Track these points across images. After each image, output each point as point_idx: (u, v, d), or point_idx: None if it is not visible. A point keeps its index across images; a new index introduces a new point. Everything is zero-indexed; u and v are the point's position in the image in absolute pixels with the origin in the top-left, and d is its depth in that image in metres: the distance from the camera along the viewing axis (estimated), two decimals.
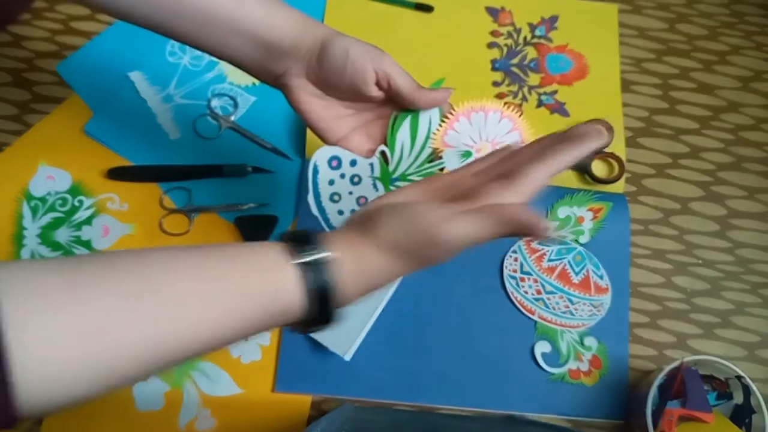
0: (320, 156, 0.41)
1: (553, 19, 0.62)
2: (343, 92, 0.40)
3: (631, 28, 0.63)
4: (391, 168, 0.41)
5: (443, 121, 0.41)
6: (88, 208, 0.56)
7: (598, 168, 0.57)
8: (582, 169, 0.56)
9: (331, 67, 0.38)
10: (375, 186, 0.42)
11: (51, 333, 0.24)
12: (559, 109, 0.58)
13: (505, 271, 0.53)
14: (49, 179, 0.57)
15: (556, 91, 0.59)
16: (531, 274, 0.53)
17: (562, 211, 0.55)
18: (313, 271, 0.29)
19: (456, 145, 0.41)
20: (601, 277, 0.53)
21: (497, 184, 0.31)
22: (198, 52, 0.61)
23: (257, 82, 0.60)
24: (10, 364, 0.23)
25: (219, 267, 0.28)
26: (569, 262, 0.54)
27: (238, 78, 0.60)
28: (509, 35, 0.61)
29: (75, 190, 0.56)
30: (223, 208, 0.56)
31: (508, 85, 0.59)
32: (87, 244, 0.55)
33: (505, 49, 0.61)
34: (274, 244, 0.30)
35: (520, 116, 0.44)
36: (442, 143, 0.41)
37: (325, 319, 0.30)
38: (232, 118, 0.58)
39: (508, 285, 0.53)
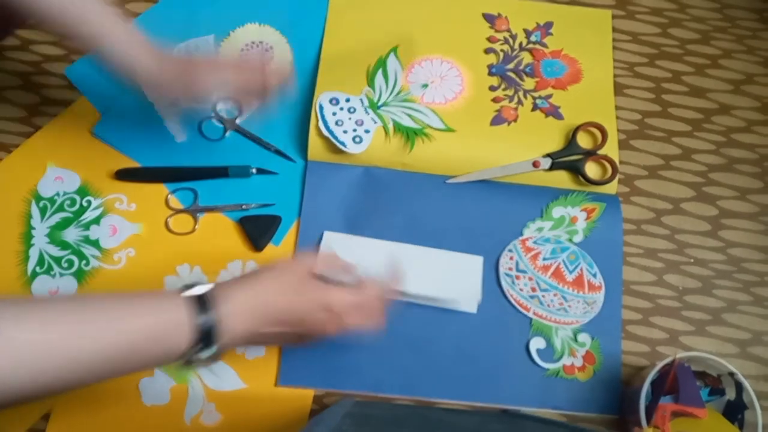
0: (323, 98, 0.59)
1: (548, 25, 0.63)
2: None
3: (625, 33, 0.64)
4: (375, 100, 0.59)
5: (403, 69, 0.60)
6: (96, 208, 0.57)
7: (592, 170, 0.58)
8: (576, 170, 0.57)
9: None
10: (366, 111, 0.59)
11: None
12: (554, 112, 0.60)
13: (501, 270, 0.55)
14: (58, 180, 0.58)
15: (551, 95, 0.61)
16: (526, 272, 0.55)
17: (557, 211, 0.56)
18: (201, 307, 0.39)
19: (416, 81, 0.60)
20: (594, 276, 0.55)
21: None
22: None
23: None
24: None
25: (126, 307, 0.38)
26: (563, 260, 0.55)
27: None
28: (505, 41, 0.63)
29: (83, 191, 0.58)
30: (228, 208, 0.57)
31: (504, 89, 0.61)
32: (95, 244, 0.56)
33: (501, 55, 0.62)
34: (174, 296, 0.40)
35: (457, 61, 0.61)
36: (406, 81, 0.60)
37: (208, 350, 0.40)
38: (237, 120, 0.60)
39: (503, 283, 0.54)
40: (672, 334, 0.54)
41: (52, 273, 0.55)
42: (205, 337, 0.39)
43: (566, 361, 0.52)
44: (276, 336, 0.44)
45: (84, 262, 0.55)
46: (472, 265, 0.54)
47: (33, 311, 0.35)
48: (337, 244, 0.54)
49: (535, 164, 0.57)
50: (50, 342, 0.34)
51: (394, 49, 0.61)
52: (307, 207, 0.57)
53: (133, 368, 0.39)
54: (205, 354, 0.40)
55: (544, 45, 0.63)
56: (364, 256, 0.49)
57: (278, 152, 0.59)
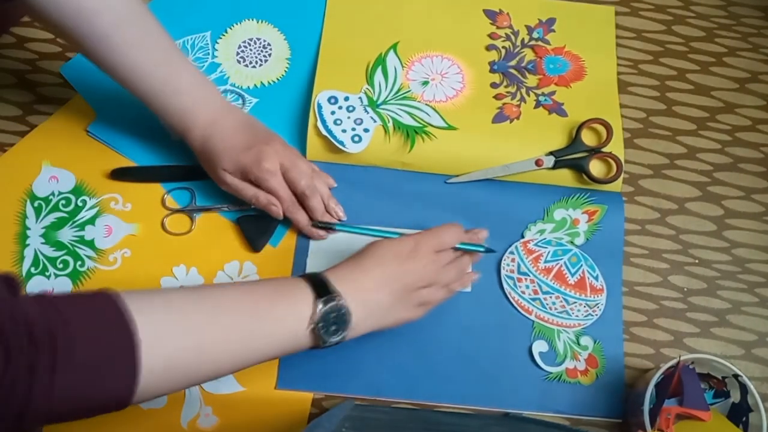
0: (321, 97, 0.58)
1: (551, 21, 0.63)
2: None
3: (628, 30, 0.63)
4: (375, 98, 0.58)
5: (404, 67, 0.60)
6: (91, 208, 0.56)
7: (596, 168, 0.57)
8: (580, 168, 0.57)
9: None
10: (366, 110, 0.57)
11: (165, 346, 0.35)
12: (557, 109, 0.59)
13: (503, 272, 0.54)
14: (53, 179, 0.57)
15: (554, 92, 0.60)
16: (528, 275, 0.54)
17: (558, 213, 0.56)
18: (322, 291, 0.41)
19: (416, 79, 0.59)
20: (596, 278, 0.54)
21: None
22: (200, 54, 0.62)
23: (259, 84, 0.61)
24: (141, 362, 0.33)
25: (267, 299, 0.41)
26: (565, 263, 0.54)
27: (241, 80, 0.61)
28: (507, 37, 0.62)
29: (78, 191, 0.57)
30: (225, 208, 0.56)
31: (506, 86, 0.60)
32: (90, 244, 0.55)
33: (503, 51, 0.61)
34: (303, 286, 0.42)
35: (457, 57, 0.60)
36: (406, 79, 0.59)
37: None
38: None
39: (505, 285, 0.54)
40: (676, 336, 0.54)
41: (47, 274, 0.54)
42: (334, 320, 0.41)
43: (569, 364, 0.52)
44: (394, 303, 0.44)
45: (79, 262, 0.55)
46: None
47: (173, 303, 0.38)
48: (328, 239, 0.55)
49: (538, 162, 0.56)
50: (188, 336, 0.37)
51: (394, 46, 0.61)
52: None
53: (267, 357, 0.41)
54: (336, 338, 0.41)
55: (547, 41, 0.62)
56: (353, 243, 0.50)
57: None
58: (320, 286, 0.42)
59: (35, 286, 0.54)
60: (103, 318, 0.34)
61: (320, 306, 0.40)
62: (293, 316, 0.40)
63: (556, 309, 0.53)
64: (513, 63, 0.61)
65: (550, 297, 0.53)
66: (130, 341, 0.33)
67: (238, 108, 0.54)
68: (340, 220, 0.54)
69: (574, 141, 0.57)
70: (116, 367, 0.33)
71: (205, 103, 0.51)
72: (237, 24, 0.63)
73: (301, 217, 0.53)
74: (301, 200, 0.53)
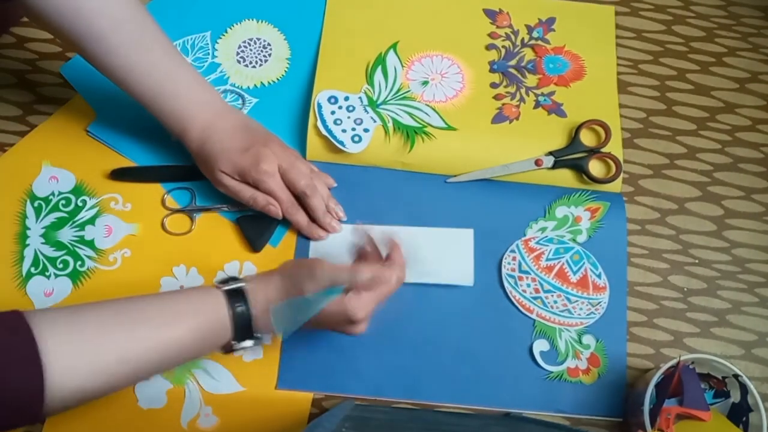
0: (321, 96, 0.58)
1: (551, 20, 0.63)
2: None
3: (628, 30, 0.63)
4: (374, 98, 0.58)
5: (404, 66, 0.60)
6: (91, 208, 0.56)
7: (596, 168, 0.57)
8: (579, 168, 0.56)
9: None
10: (366, 110, 0.58)
11: (72, 354, 0.36)
12: (557, 109, 0.59)
13: (504, 270, 0.54)
14: (53, 180, 0.57)
15: (553, 92, 0.60)
16: (529, 273, 0.54)
17: (560, 211, 0.56)
18: (234, 297, 0.43)
19: (416, 79, 0.59)
20: (598, 276, 0.54)
21: None
22: (200, 54, 0.62)
23: (258, 84, 0.61)
24: (44, 373, 0.34)
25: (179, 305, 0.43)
26: (567, 261, 0.54)
27: (241, 80, 0.61)
28: (507, 37, 0.62)
29: (78, 191, 0.57)
30: (225, 208, 0.56)
31: (506, 86, 0.60)
32: (90, 244, 0.55)
33: (503, 51, 0.61)
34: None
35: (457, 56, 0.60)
36: (406, 79, 0.59)
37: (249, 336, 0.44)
38: None
39: (506, 284, 0.54)
40: (676, 336, 0.54)
41: (47, 274, 0.54)
42: (243, 329, 0.43)
43: (570, 363, 0.52)
44: (315, 323, 0.45)
45: (79, 262, 0.55)
46: (463, 238, 0.54)
47: (85, 320, 0.38)
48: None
49: (538, 162, 0.56)
50: (103, 348, 0.38)
51: (394, 46, 0.61)
52: None
53: (181, 363, 0.43)
54: (247, 344, 0.44)
55: (547, 41, 0.62)
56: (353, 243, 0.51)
57: None
58: (234, 293, 0.43)
59: (35, 286, 0.54)
60: (8, 346, 0.34)
61: (231, 311, 0.42)
62: (207, 326, 0.42)
63: (557, 307, 0.53)
64: (513, 62, 0.61)
65: (552, 295, 0.53)
66: (36, 371, 0.34)
67: (236, 110, 0.54)
68: (340, 219, 0.54)
69: (574, 141, 0.57)
70: (21, 396, 0.34)
71: (203, 105, 0.51)
72: (237, 24, 0.63)
73: (300, 218, 0.53)
74: (300, 201, 0.53)
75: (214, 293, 0.43)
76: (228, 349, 0.44)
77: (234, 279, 0.45)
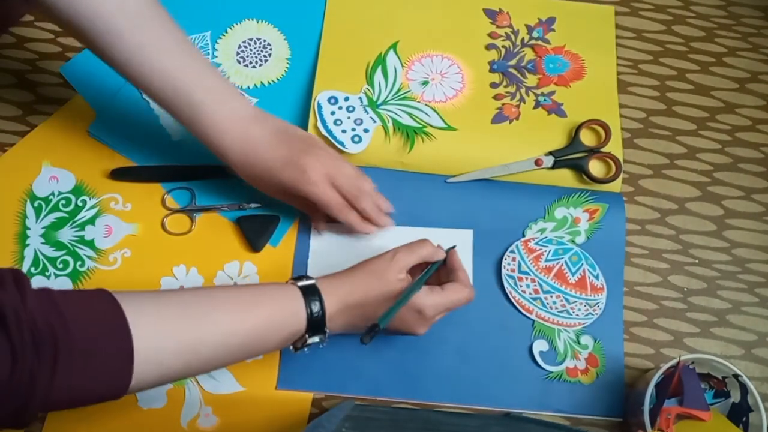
0: (321, 97, 0.58)
1: (551, 20, 0.63)
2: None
3: (628, 30, 0.63)
4: (374, 98, 0.58)
5: (404, 66, 0.60)
6: (91, 208, 0.56)
7: (596, 168, 0.57)
8: (579, 168, 0.56)
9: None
10: (365, 110, 0.58)
11: (157, 331, 0.37)
12: (557, 109, 0.59)
13: (503, 271, 0.54)
14: (53, 179, 0.57)
15: (553, 92, 0.60)
16: (528, 274, 0.54)
17: (559, 212, 0.56)
18: (311, 297, 0.44)
19: (416, 78, 0.59)
20: (597, 277, 0.54)
21: None
22: None
23: (258, 84, 0.61)
24: (133, 345, 0.35)
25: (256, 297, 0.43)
26: (566, 262, 0.54)
27: (240, 80, 0.61)
28: (507, 37, 0.62)
29: (78, 191, 0.57)
30: (225, 208, 0.56)
31: (506, 86, 0.60)
32: (90, 244, 0.55)
33: (502, 51, 0.61)
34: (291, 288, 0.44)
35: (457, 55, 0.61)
36: (406, 79, 0.59)
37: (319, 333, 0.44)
38: None
39: (506, 284, 0.54)
40: (676, 336, 0.54)
41: (47, 274, 0.54)
42: (316, 325, 0.43)
43: (569, 363, 0.52)
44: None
45: (79, 262, 0.55)
46: (462, 239, 0.54)
47: (167, 302, 0.39)
48: (325, 237, 0.55)
49: (538, 162, 0.56)
50: (185, 329, 0.38)
51: (394, 46, 0.61)
52: None
53: (254, 354, 0.44)
54: (315, 339, 0.44)
55: (547, 41, 0.62)
56: (353, 245, 0.53)
57: None
58: (309, 290, 0.44)
59: (35, 286, 0.54)
60: (102, 319, 0.35)
61: (306, 306, 0.43)
62: (282, 317, 0.43)
63: (556, 308, 0.53)
64: (513, 62, 0.61)
65: (551, 296, 0.53)
66: (127, 344, 0.35)
67: (266, 113, 0.51)
68: (388, 213, 0.54)
69: (573, 141, 0.57)
70: (112, 368, 0.35)
71: (233, 114, 0.48)
72: (237, 24, 0.63)
73: (353, 218, 0.51)
74: (350, 203, 0.51)
75: (291, 288, 0.44)
76: (300, 344, 0.44)
77: (306, 277, 0.45)
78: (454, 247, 0.50)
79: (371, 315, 0.45)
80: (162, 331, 0.37)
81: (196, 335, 0.39)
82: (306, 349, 0.45)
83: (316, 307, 0.43)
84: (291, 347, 0.45)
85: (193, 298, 0.41)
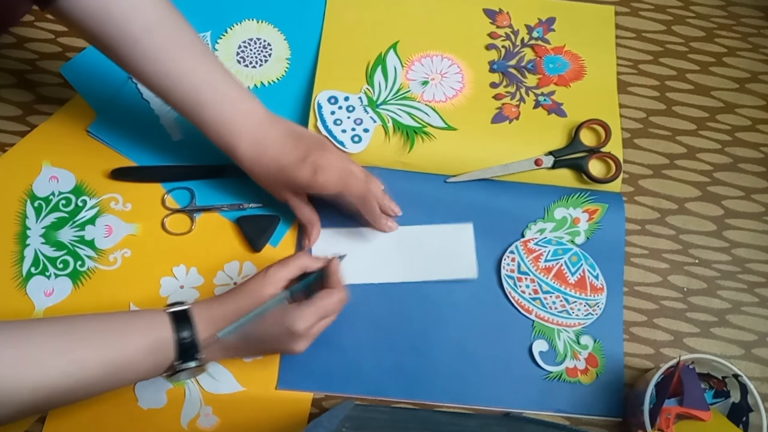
0: (321, 97, 0.58)
1: (551, 20, 0.63)
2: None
3: (628, 30, 0.63)
4: (374, 98, 0.58)
5: (404, 66, 0.60)
6: (91, 208, 0.56)
7: (596, 168, 0.57)
8: (579, 168, 0.56)
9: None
10: (365, 110, 0.58)
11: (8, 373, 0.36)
12: (557, 109, 0.59)
13: (503, 271, 0.54)
14: (53, 179, 0.57)
15: (553, 92, 0.60)
16: (528, 274, 0.54)
17: (559, 212, 0.56)
18: (181, 323, 0.43)
19: (416, 78, 0.59)
20: (596, 278, 0.54)
21: None
22: None
23: (258, 84, 0.61)
24: None
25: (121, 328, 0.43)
26: (565, 262, 0.54)
27: (241, 80, 0.61)
28: (507, 37, 0.62)
29: (78, 191, 0.57)
30: (225, 208, 0.56)
31: (506, 86, 0.60)
32: (90, 244, 0.55)
33: (502, 51, 0.61)
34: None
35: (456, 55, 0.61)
36: (406, 79, 0.59)
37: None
38: None
39: (505, 284, 0.54)
40: (676, 336, 0.54)
41: (47, 274, 0.54)
42: (186, 351, 0.43)
43: (569, 363, 0.52)
44: (252, 351, 0.48)
45: (79, 262, 0.55)
46: (463, 233, 0.54)
47: (28, 336, 0.39)
48: (326, 239, 0.55)
49: (538, 162, 0.56)
50: (44, 365, 0.38)
51: (394, 46, 0.61)
52: None
53: (120, 385, 0.43)
54: (191, 364, 0.44)
55: (547, 41, 0.62)
56: (354, 246, 0.53)
57: None
58: (179, 315, 0.44)
59: (35, 286, 0.54)
60: None
61: (175, 336, 0.43)
62: (148, 345, 0.42)
63: (556, 308, 0.53)
64: (513, 62, 0.61)
65: (551, 296, 0.53)
66: None
67: (278, 116, 0.51)
68: (396, 215, 0.55)
69: (573, 141, 0.57)
70: None
71: (247, 116, 0.49)
72: (237, 24, 0.63)
73: (375, 213, 0.53)
74: (358, 205, 0.52)
75: (160, 314, 0.43)
76: (171, 371, 0.44)
77: (179, 303, 0.45)
78: (344, 256, 0.50)
79: (254, 336, 0.45)
80: (17, 366, 0.37)
81: (58, 370, 0.38)
82: (182, 374, 0.44)
83: (185, 333, 0.43)
84: (163, 375, 0.44)
85: (57, 331, 0.40)
